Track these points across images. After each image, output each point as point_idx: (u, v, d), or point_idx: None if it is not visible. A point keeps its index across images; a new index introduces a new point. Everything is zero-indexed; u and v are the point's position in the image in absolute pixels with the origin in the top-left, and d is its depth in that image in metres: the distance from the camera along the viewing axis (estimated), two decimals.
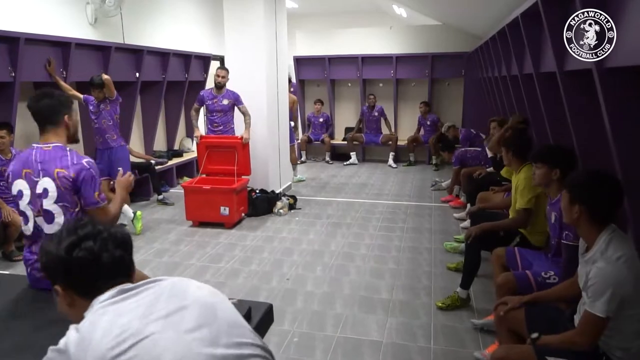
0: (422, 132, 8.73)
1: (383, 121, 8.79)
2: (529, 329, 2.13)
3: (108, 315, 1.06)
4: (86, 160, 2.17)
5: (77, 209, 2.16)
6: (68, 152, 2.16)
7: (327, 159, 9.02)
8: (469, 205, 4.76)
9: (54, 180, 2.10)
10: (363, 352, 2.78)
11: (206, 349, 1.03)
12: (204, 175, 5.48)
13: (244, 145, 5.30)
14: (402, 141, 8.86)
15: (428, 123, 8.60)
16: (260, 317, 1.84)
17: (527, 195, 3.00)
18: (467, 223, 4.65)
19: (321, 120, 9.19)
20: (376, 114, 8.72)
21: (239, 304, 1.86)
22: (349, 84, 9.50)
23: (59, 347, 1.06)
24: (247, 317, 1.77)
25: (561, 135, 3.15)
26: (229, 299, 1.92)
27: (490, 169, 5.10)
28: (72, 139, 2.28)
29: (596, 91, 2.21)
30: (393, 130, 8.93)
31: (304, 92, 9.79)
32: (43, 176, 2.11)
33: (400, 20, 10.76)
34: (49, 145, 2.15)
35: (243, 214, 5.31)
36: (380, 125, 8.81)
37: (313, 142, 9.16)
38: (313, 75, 9.52)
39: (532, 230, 3.08)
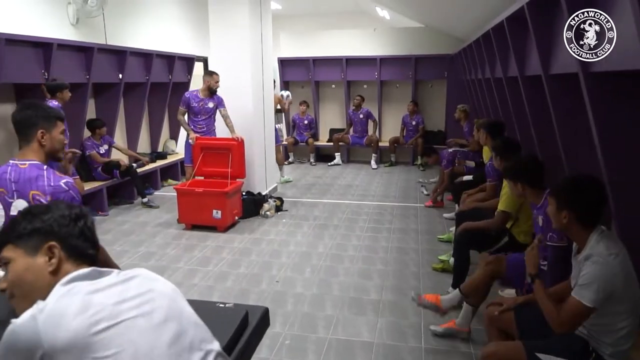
0: (404, 132, 8.80)
1: (371, 123, 8.86)
2: (519, 329, 2.18)
3: (80, 294, 1.06)
4: (64, 181, 1.98)
5: None
6: (44, 172, 1.97)
7: (311, 160, 9.04)
8: (457, 205, 4.83)
9: (29, 202, 1.94)
10: (355, 354, 2.79)
11: (175, 343, 1.11)
12: (195, 178, 5.44)
13: (240, 147, 5.28)
14: (385, 142, 8.93)
15: (413, 123, 8.66)
16: (257, 321, 1.83)
17: (508, 199, 3.07)
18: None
19: (306, 122, 9.20)
20: (361, 115, 8.76)
21: (235, 308, 1.87)
22: (333, 86, 9.52)
23: (30, 314, 1.03)
24: (245, 321, 1.77)
25: (546, 138, 3.21)
26: (225, 303, 1.93)
27: (469, 177, 5.12)
28: (50, 157, 2.08)
29: (582, 94, 2.27)
30: (377, 131, 9.00)
31: None
32: (17, 197, 1.96)
33: (384, 22, 10.84)
34: (24, 162, 1.98)
35: (237, 217, 5.28)
36: (367, 127, 8.87)
37: (299, 143, 9.16)
38: (297, 77, 9.53)
39: (518, 229, 3.15)
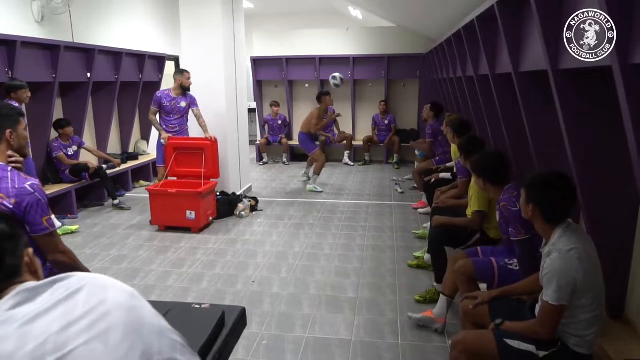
0: (376, 131, 8.87)
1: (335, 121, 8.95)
2: (492, 320, 2.22)
3: (15, 324, 0.84)
4: (29, 184, 1.90)
5: None
6: (9, 173, 1.90)
7: (285, 160, 9.02)
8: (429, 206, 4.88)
9: None
10: (333, 352, 2.79)
11: None
12: (167, 178, 5.35)
13: (213, 147, 5.21)
14: (358, 142, 9.01)
15: (385, 122, 8.74)
16: (233, 322, 1.81)
17: (480, 197, 3.12)
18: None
19: (280, 122, 9.17)
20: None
21: (211, 309, 1.83)
22: (307, 85, 9.51)
23: None
24: (221, 322, 1.74)
25: (517, 135, 3.27)
26: (201, 304, 1.90)
27: (447, 175, 5.15)
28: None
29: (551, 92, 2.32)
30: (350, 130, 9.13)
31: (261, 93, 9.72)
32: None
33: (356, 21, 10.89)
34: None
35: (211, 218, 5.21)
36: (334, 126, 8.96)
37: (272, 143, 9.13)
38: (270, 76, 9.48)
39: (489, 225, 3.20)
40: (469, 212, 3.33)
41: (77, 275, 0.92)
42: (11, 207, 1.86)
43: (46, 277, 2.12)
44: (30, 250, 0.99)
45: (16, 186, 1.88)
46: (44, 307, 0.86)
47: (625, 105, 1.61)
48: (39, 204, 1.91)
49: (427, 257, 3.83)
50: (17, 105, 4.43)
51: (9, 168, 1.94)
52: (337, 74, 6.88)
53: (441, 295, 2.96)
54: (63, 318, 0.85)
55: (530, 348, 1.87)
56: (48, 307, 0.86)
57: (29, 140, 4.58)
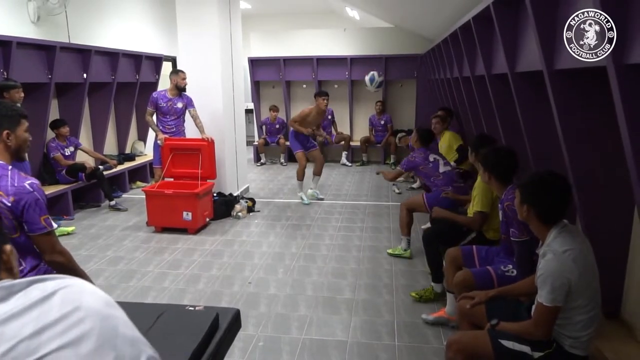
0: (373, 132, 8.89)
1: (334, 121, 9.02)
2: (489, 321, 2.21)
3: None
4: (29, 182, 1.94)
5: (15, 235, 1.93)
6: (9, 172, 1.93)
7: (282, 160, 9.02)
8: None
9: None
10: (329, 353, 2.78)
11: None
12: (164, 179, 5.33)
13: (210, 148, 5.20)
14: (356, 142, 9.03)
15: (382, 122, 8.75)
16: (228, 324, 1.80)
17: (483, 197, 3.09)
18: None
19: (277, 126, 9.18)
20: (330, 117, 8.87)
21: (205, 311, 1.83)
22: (304, 85, 9.51)
23: None
24: (215, 324, 1.73)
25: (513, 135, 3.27)
26: (195, 306, 1.89)
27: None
28: (15, 156, 2.03)
29: (547, 92, 2.32)
30: (347, 131, 9.20)
31: (259, 93, 9.72)
32: None
33: (354, 22, 10.90)
34: None
35: (207, 219, 5.20)
36: (332, 127, 9.00)
37: (270, 144, 9.14)
38: (268, 77, 9.47)
39: (488, 226, 3.18)
40: (470, 211, 3.31)
41: (55, 279, 0.89)
42: (9, 204, 1.88)
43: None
44: (8, 247, 0.97)
45: (15, 184, 1.90)
46: (17, 308, 0.83)
47: (620, 105, 1.60)
48: (37, 202, 1.93)
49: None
50: None
51: (9, 167, 1.95)
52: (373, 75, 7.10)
53: (447, 294, 2.99)
54: (36, 322, 0.82)
55: (525, 349, 1.87)
56: (21, 309, 0.83)
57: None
